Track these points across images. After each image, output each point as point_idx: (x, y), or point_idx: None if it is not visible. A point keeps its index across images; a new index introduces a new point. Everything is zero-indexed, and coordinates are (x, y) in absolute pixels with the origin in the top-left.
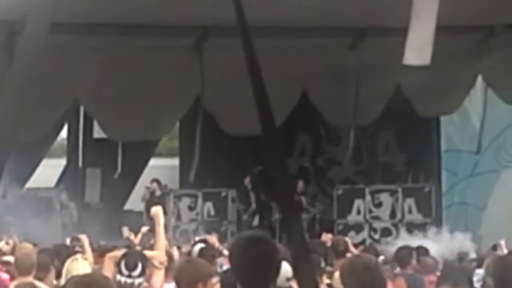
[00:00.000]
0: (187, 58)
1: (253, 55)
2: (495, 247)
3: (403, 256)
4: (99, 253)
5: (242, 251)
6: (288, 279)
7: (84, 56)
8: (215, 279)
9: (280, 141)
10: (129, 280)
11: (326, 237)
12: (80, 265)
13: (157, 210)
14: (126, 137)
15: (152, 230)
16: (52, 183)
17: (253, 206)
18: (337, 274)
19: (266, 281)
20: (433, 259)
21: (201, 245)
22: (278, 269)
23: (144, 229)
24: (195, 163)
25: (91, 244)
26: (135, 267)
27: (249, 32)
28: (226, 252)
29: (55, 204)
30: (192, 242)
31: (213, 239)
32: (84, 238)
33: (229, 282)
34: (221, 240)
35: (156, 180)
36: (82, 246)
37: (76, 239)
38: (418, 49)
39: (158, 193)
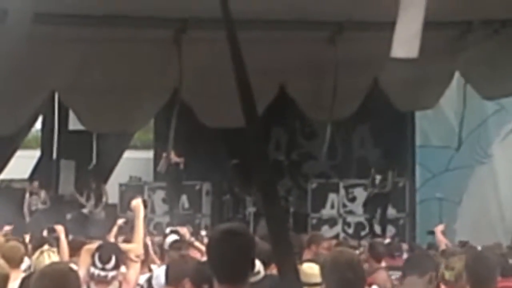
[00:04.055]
0: (165, 50)
1: (237, 46)
2: (463, 244)
3: (377, 251)
4: (75, 246)
5: (219, 244)
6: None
7: (62, 46)
8: None
9: (262, 132)
10: (102, 273)
11: None
12: (46, 260)
13: (137, 203)
14: (103, 128)
15: (127, 223)
16: (26, 174)
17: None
18: (303, 266)
19: (242, 273)
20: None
21: (174, 236)
22: (254, 262)
23: (120, 221)
24: (168, 155)
25: (67, 235)
26: (109, 260)
27: (234, 24)
28: (197, 244)
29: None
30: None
31: (184, 230)
32: (60, 229)
33: (205, 275)
34: (195, 233)
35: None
36: (57, 238)
37: (52, 230)
38: (406, 42)
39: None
